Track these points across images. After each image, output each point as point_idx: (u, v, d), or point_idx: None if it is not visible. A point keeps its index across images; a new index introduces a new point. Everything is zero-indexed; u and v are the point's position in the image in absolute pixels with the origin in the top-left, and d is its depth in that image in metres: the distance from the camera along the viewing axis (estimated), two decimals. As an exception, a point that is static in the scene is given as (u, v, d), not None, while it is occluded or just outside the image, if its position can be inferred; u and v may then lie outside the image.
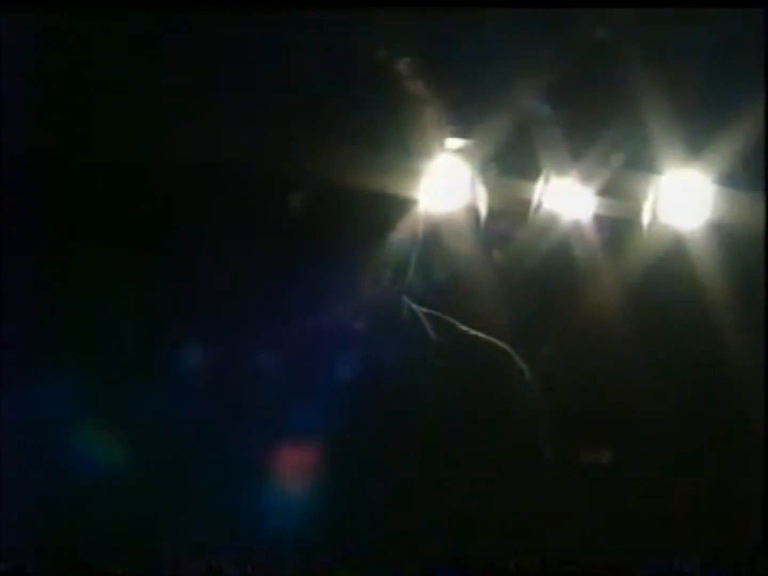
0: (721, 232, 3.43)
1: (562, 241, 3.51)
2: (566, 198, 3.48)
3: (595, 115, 3.33)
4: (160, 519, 1.57)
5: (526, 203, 3.45)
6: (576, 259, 3.50)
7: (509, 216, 3.47)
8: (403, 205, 1.65)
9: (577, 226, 3.51)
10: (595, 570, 1.76)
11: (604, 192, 3.48)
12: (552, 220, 3.49)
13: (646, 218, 3.48)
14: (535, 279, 3.50)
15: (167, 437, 1.58)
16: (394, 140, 1.62)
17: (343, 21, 1.69)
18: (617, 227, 3.51)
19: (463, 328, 1.76)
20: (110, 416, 1.61)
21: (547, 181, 3.43)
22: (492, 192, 3.36)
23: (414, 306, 1.74)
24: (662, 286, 3.45)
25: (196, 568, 1.57)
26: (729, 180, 3.38)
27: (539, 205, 3.46)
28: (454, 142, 3.20)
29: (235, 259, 1.63)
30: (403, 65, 1.65)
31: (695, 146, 3.34)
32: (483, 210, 3.34)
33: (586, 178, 3.45)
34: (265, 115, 1.59)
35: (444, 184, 3.25)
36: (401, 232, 1.65)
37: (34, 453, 1.61)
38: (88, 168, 1.96)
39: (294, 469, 1.58)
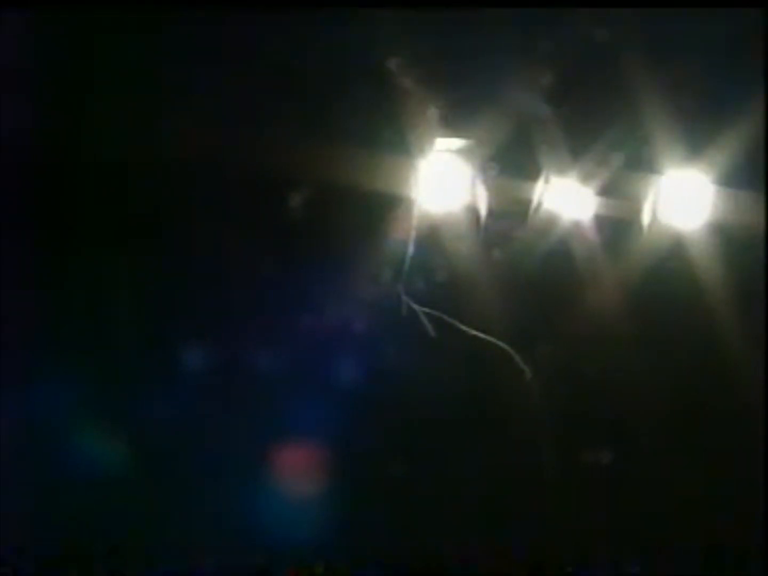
0: (721, 232, 3.43)
1: (562, 241, 3.50)
2: (566, 198, 3.47)
3: (595, 115, 3.33)
4: (161, 520, 1.57)
5: (526, 203, 3.45)
6: (576, 259, 3.50)
7: (509, 216, 3.46)
8: (404, 205, 1.64)
9: (577, 226, 3.50)
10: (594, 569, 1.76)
11: (604, 192, 3.47)
12: (552, 220, 3.48)
13: (646, 218, 3.47)
14: (535, 279, 3.49)
15: (167, 438, 1.58)
16: (395, 141, 1.62)
17: (342, 21, 1.69)
18: (617, 227, 3.50)
19: (463, 327, 1.76)
20: (111, 417, 1.61)
21: (547, 181, 3.43)
22: (492, 192, 3.36)
23: (414, 306, 1.74)
24: (662, 286, 3.45)
25: (198, 567, 1.58)
26: (729, 180, 3.37)
27: (539, 205, 3.45)
28: (454, 142, 3.20)
29: (234, 259, 1.63)
30: (402, 65, 1.65)
31: (695, 146, 3.34)
32: (483, 210, 3.34)
33: (586, 178, 3.44)
34: (264, 116, 1.59)
35: (444, 184, 3.24)
36: (401, 232, 1.65)
37: (36, 453, 1.61)
38: (89, 169, 1.95)
39: (294, 468, 1.58)
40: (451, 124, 1.64)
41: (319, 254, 1.52)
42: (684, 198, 3.43)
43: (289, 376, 1.54)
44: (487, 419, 1.61)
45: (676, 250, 3.45)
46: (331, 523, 1.52)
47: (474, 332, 1.68)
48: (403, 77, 1.60)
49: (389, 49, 1.60)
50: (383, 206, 1.53)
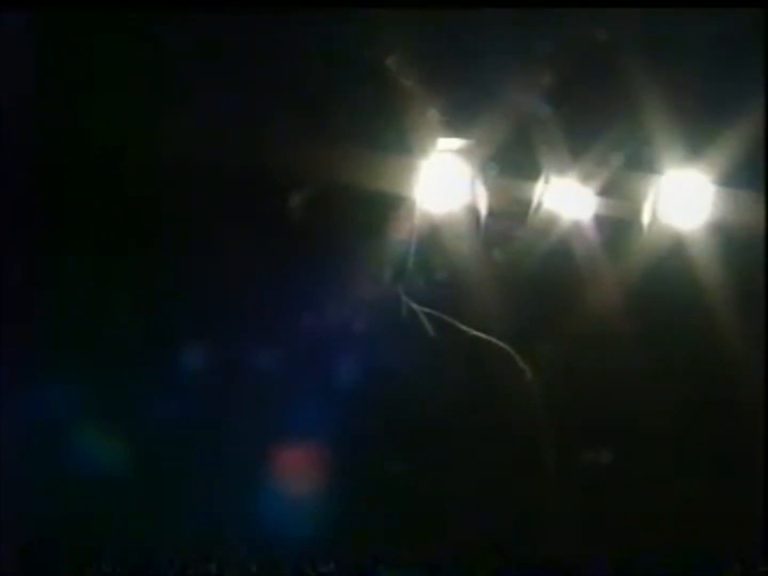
0: (721, 232, 3.43)
1: (562, 241, 3.51)
2: (566, 198, 3.48)
3: (595, 115, 3.33)
4: (161, 520, 1.57)
5: (526, 203, 3.45)
6: (576, 259, 3.50)
7: (509, 216, 3.46)
8: (403, 205, 1.64)
9: (577, 226, 3.51)
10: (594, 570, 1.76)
11: (604, 192, 3.47)
12: (552, 220, 3.49)
13: (646, 218, 3.48)
14: (535, 279, 3.49)
15: (167, 438, 1.57)
16: (394, 140, 1.62)
17: (342, 21, 1.69)
18: (617, 227, 3.51)
19: (463, 328, 1.76)
20: (110, 417, 1.60)
21: (547, 181, 3.43)
22: (492, 192, 3.36)
23: (414, 306, 1.74)
24: (662, 286, 3.45)
25: (197, 568, 1.57)
26: (729, 180, 3.38)
27: (539, 205, 3.46)
28: (454, 142, 3.20)
29: (234, 259, 1.63)
30: (401, 65, 1.65)
31: (695, 146, 3.34)
32: (483, 210, 3.34)
33: (586, 178, 3.44)
34: (264, 116, 1.59)
35: (444, 184, 3.25)
36: (401, 232, 1.64)
37: (36, 453, 1.61)
38: (88, 168, 1.96)
39: (294, 470, 1.58)
40: (451, 124, 1.64)
41: (319, 254, 1.52)
42: (684, 198, 3.44)
43: (289, 376, 1.55)
44: (487, 419, 1.62)
45: (676, 250, 3.46)
46: (331, 522, 1.52)
47: (474, 332, 1.68)
48: (403, 77, 1.60)
49: (389, 49, 1.61)
50: (383, 206, 1.54)
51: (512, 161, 3.36)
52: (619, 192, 3.47)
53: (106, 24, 1.93)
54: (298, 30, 1.65)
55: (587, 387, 3.44)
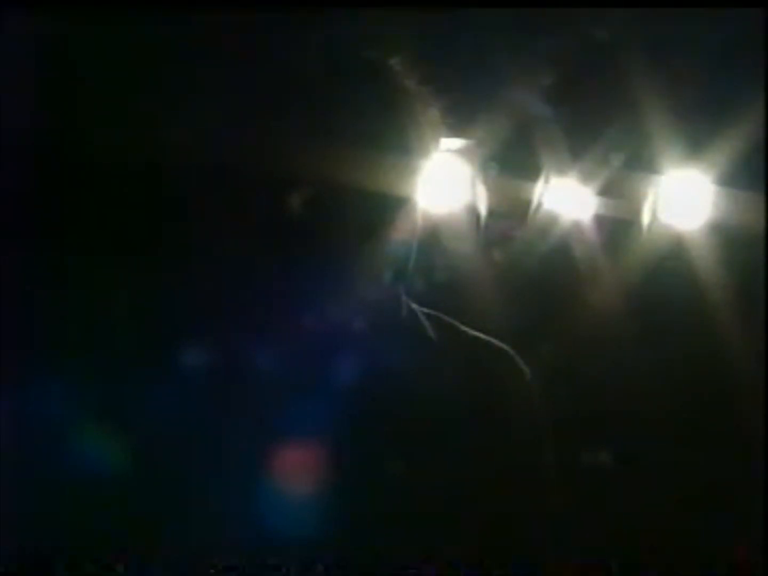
0: (721, 232, 3.43)
1: (562, 241, 3.51)
2: (566, 198, 3.48)
3: (595, 115, 3.33)
4: (160, 519, 1.57)
5: (526, 203, 3.45)
6: (576, 259, 3.50)
7: (509, 216, 3.46)
8: (403, 205, 1.64)
9: (577, 226, 3.51)
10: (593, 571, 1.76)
11: (604, 192, 3.47)
12: (552, 220, 3.49)
13: (646, 218, 3.48)
14: (535, 279, 3.49)
15: (167, 437, 1.58)
16: (394, 140, 1.62)
17: (341, 20, 1.69)
18: (617, 227, 3.51)
19: (463, 328, 1.76)
20: (111, 416, 1.60)
21: (547, 181, 3.43)
22: (492, 192, 3.36)
23: (414, 306, 1.74)
24: (662, 287, 3.45)
25: (196, 567, 1.57)
26: (729, 180, 3.38)
27: (539, 205, 3.46)
28: (454, 142, 3.20)
29: (234, 259, 1.63)
30: (402, 65, 1.65)
31: (695, 146, 3.34)
32: (483, 210, 3.34)
33: (586, 178, 3.45)
34: (263, 116, 1.59)
35: (444, 184, 3.25)
36: (401, 232, 1.65)
37: (35, 452, 1.61)
38: (89, 169, 1.96)
39: (293, 469, 1.58)
40: (452, 124, 1.64)
41: (319, 254, 1.53)
42: (684, 198, 3.44)
43: (288, 375, 1.55)
44: (487, 419, 1.62)
45: (676, 250, 3.46)
46: (330, 523, 1.53)
47: (474, 332, 1.69)
48: (403, 77, 1.61)
49: (390, 49, 1.61)
50: (384, 206, 1.54)
51: (512, 161, 3.36)
52: (619, 192, 3.47)
53: (106, 24, 1.94)
54: (298, 30, 1.65)
55: (587, 387, 3.44)
